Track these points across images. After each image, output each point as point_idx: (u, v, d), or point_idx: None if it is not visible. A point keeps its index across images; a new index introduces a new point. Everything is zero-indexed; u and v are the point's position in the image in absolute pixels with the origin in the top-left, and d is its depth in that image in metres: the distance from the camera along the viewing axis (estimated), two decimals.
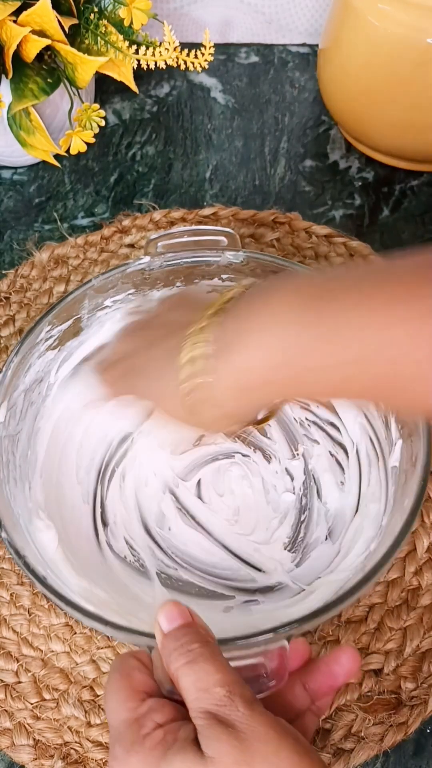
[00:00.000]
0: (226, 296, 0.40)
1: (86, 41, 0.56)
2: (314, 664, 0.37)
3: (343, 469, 0.50)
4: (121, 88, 0.70)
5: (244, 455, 0.51)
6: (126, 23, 0.55)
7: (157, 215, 0.62)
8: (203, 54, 0.57)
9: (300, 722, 0.36)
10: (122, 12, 0.54)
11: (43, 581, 0.40)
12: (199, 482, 0.51)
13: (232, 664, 0.35)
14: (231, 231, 0.51)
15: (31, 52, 0.54)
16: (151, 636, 0.36)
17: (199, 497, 0.50)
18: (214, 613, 0.45)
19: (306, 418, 0.52)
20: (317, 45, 0.66)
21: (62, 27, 0.54)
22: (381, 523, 0.45)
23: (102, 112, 0.58)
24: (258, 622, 0.42)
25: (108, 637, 0.46)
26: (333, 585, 0.43)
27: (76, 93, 0.59)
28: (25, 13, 0.53)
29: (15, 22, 0.53)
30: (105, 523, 0.49)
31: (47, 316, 0.48)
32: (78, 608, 0.39)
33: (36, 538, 0.44)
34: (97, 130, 0.58)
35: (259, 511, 0.49)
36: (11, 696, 0.45)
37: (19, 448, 0.47)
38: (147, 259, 0.50)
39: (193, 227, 0.52)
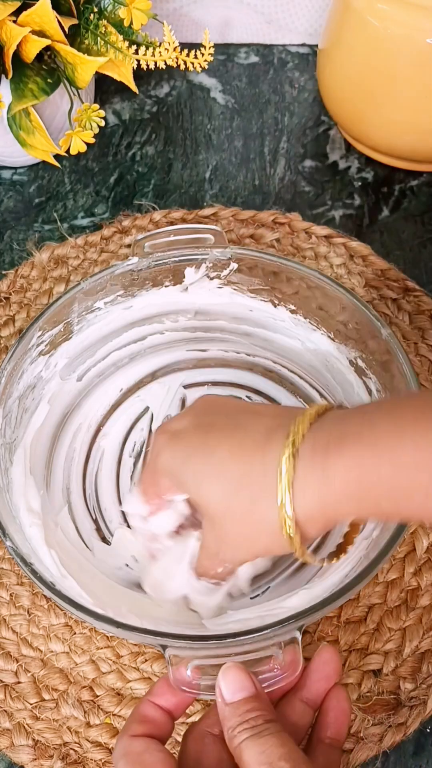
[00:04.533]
0: (314, 410, 0.37)
1: (86, 41, 0.56)
2: (304, 676, 0.37)
3: None
4: (121, 88, 0.70)
5: None
6: (126, 23, 0.55)
7: (157, 215, 0.62)
8: (203, 54, 0.57)
9: (323, 759, 0.36)
10: (122, 12, 0.54)
11: (51, 587, 0.40)
12: None
13: (245, 657, 0.35)
14: (217, 228, 0.51)
15: (31, 52, 0.54)
16: (163, 635, 0.37)
17: None
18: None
19: None
20: (317, 45, 0.66)
21: (62, 27, 0.54)
22: None
23: (102, 112, 0.58)
24: (267, 614, 0.42)
25: (108, 637, 0.46)
26: (337, 574, 0.43)
27: (76, 93, 0.59)
28: (25, 13, 0.53)
29: (15, 22, 0.53)
30: (107, 539, 0.49)
31: (37, 322, 0.48)
32: (89, 612, 0.39)
33: (35, 544, 0.44)
34: (96, 131, 0.58)
35: None
36: (11, 696, 0.45)
37: (16, 456, 0.47)
38: (135, 260, 0.50)
39: (179, 226, 0.52)
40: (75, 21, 0.56)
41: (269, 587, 0.46)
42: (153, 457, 0.42)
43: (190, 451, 0.39)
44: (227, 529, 0.38)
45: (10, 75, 0.55)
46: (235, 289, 0.53)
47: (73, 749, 0.44)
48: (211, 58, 0.57)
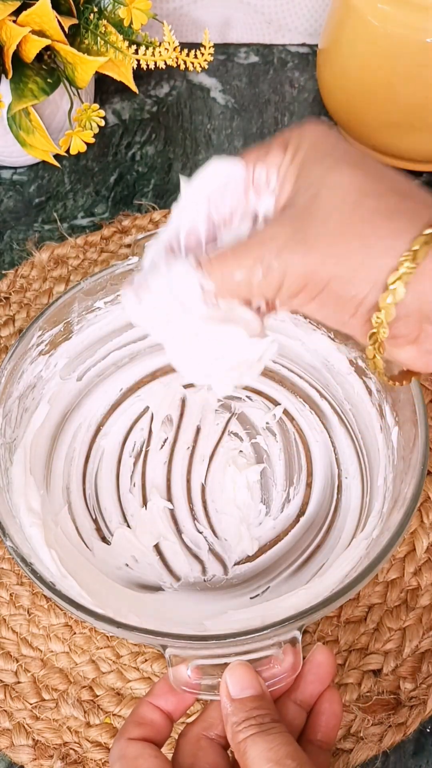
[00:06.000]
0: None
1: (86, 41, 0.56)
2: (297, 678, 0.37)
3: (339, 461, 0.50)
4: (121, 88, 0.70)
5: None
6: (126, 23, 0.55)
7: (157, 215, 0.62)
8: (203, 54, 0.57)
9: (313, 760, 0.35)
10: (122, 12, 0.54)
11: (51, 587, 0.39)
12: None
13: (245, 657, 0.35)
14: None
15: (31, 52, 0.54)
16: (164, 635, 0.37)
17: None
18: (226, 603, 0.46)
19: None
20: (317, 45, 0.66)
21: (62, 27, 0.54)
22: (382, 510, 0.45)
23: (102, 112, 0.58)
24: (267, 614, 0.43)
25: (108, 637, 0.46)
26: (337, 573, 0.43)
27: (76, 93, 0.59)
28: (25, 13, 0.53)
29: (15, 22, 0.53)
30: (107, 538, 0.49)
31: (37, 321, 0.48)
32: (89, 612, 0.39)
33: (35, 544, 0.44)
34: (96, 130, 0.58)
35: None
36: (11, 696, 0.45)
37: (16, 456, 0.47)
38: (135, 259, 0.50)
39: None
40: (75, 21, 0.56)
41: (269, 587, 0.46)
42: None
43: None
44: (323, 221, 0.31)
45: (10, 75, 0.55)
46: None
47: (73, 749, 0.44)
48: (211, 58, 0.57)
